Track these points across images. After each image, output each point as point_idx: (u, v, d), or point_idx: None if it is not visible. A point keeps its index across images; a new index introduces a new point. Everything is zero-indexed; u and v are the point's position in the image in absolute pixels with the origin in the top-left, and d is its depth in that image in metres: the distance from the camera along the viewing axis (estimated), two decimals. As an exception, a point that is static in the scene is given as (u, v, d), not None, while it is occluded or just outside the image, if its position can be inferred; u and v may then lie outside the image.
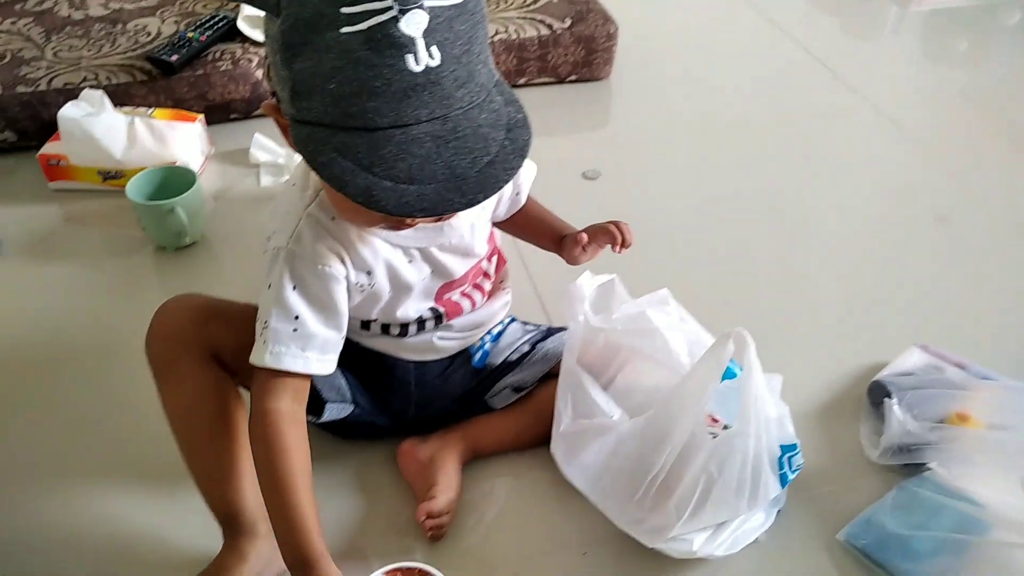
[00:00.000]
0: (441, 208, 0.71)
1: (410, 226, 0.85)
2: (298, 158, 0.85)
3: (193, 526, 0.96)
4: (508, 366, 1.09)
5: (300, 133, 0.73)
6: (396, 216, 0.74)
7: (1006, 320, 1.31)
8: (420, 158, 0.70)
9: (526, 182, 1.07)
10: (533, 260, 1.31)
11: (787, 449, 0.96)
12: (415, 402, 1.05)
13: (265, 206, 1.55)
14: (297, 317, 0.86)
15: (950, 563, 0.92)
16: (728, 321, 1.22)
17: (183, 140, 1.54)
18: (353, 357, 0.99)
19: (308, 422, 1.00)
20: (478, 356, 1.08)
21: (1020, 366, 1.18)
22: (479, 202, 0.72)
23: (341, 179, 0.70)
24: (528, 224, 1.11)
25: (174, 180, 1.41)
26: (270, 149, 1.62)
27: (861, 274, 1.42)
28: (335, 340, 0.89)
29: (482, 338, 1.08)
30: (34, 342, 1.27)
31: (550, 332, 1.13)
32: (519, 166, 0.74)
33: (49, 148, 1.54)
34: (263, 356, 0.85)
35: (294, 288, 0.86)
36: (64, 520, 1.02)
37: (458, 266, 0.97)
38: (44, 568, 0.97)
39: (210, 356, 0.92)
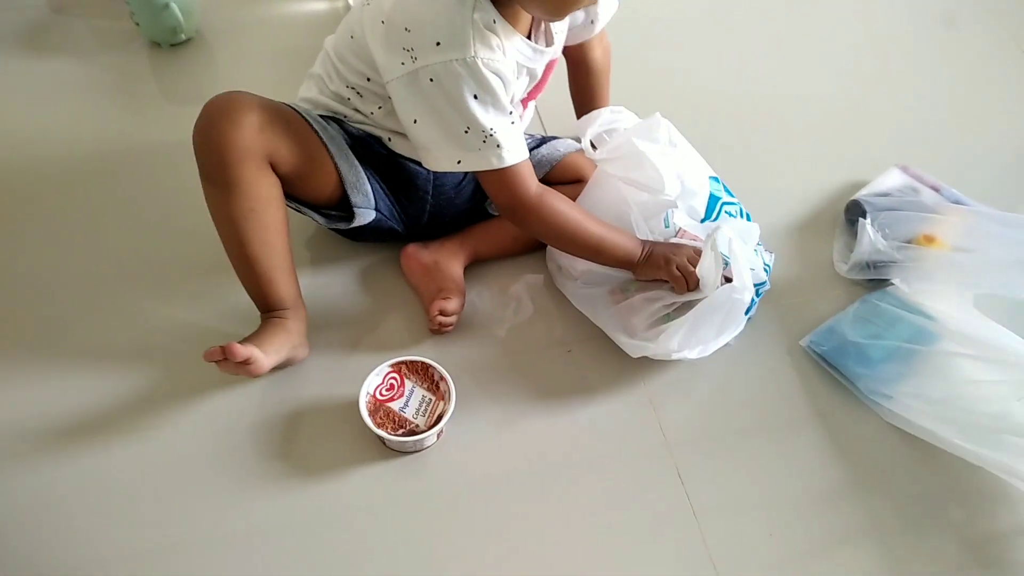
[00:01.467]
0: None
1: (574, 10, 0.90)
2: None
3: (225, 310, 1.05)
4: (505, 172, 1.14)
5: None
6: None
7: (987, 147, 1.36)
8: None
9: (603, 14, 1.08)
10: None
11: (758, 286, 1.05)
12: (429, 210, 1.11)
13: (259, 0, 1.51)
14: (511, 112, 0.92)
15: (898, 369, 1.03)
16: (722, 137, 1.27)
17: (170, -75, 1.47)
18: (380, 163, 1.03)
19: (333, 227, 1.06)
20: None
21: (994, 191, 1.24)
22: None
23: None
24: (579, 70, 1.17)
25: (166, -28, 1.37)
26: (261, -63, 1.55)
27: (851, 93, 1.44)
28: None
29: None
30: (29, 143, 1.28)
31: (544, 140, 1.17)
32: None
33: (29, -70, 1.47)
34: (503, 160, 0.92)
35: (500, 88, 0.90)
36: (88, 312, 1.10)
37: (539, 72, 1.02)
38: (83, 351, 1.06)
39: (267, 163, 0.93)
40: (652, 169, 1.01)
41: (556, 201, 0.99)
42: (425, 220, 1.11)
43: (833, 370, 1.06)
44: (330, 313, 1.09)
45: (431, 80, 0.88)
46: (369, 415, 0.95)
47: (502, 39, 0.91)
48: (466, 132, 0.90)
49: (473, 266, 1.14)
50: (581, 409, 1.04)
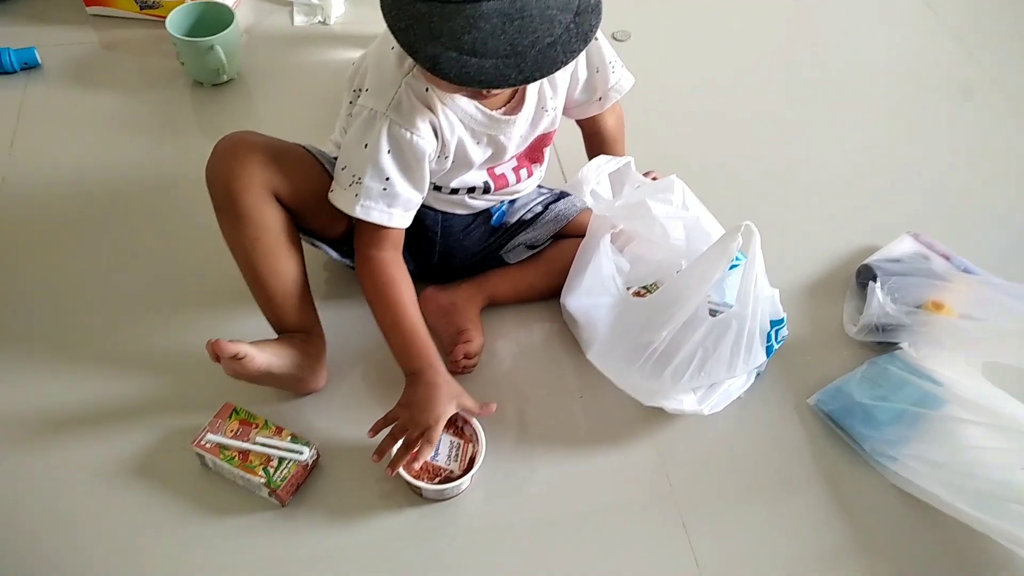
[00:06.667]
0: (497, 82, 0.79)
1: (486, 97, 0.93)
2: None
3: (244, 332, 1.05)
4: (522, 224, 1.17)
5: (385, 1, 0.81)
6: (450, 80, 0.80)
7: (997, 218, 1.38)
8: (485, 32, 0.77)
9: (614, 92, 1.11)
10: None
11: (775, 323, 1.06)
12: (438, 251, 1.15)
13: (298, 45, 1.58)
14: (388, 179, 0.95)
15: (903, 431, 1.04)
16: (736, 196, 1.31)
17: (219, -28, 1.54)
18: None
19: (345, 262, 1.10)
20: (496, 215, 1.16)
21: (1002, 262, 1.26)
22: (535, 79, 0.80)
23: (413, 45, 0.79)
24: (593, 139, 1.20)
25: (212, 16, 1.44)
26: (304, -13, 1.63)
27: (867, 160, 1.47)
28: (417, 200, 1.00)
29: (501, 199, 1.15)
30: (77, 169, 1.34)
31: (562, 195, 1.20)
32: (580, 50, 0.80)
33: (87, -28, 1.55)
34: (353, 207, 0.96)
35: (388, 152, 0.94)
36: (123, 337, 1.14)
37: (513, 146, 1.05)
38: (125, 377, 1.10)
39: (271, 194, 0.99)
40: (662, 230, 1.05)
41: (385, 273, 1.00)
42: (436, 261, 1.15)
43: (839, 430, 1.07)
44: (349, 350, 1.13)
45: (349, 115, 0.96)
46: (405, 468, 0.96)
47: (440, 105, 0.94)
48: (344, 169, 0.96)
49: (488, 310, 1.17)
50: (591, 456, 1.06)
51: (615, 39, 1.63)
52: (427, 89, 0.93)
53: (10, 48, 1.46)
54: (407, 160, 0.95)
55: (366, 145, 0.94)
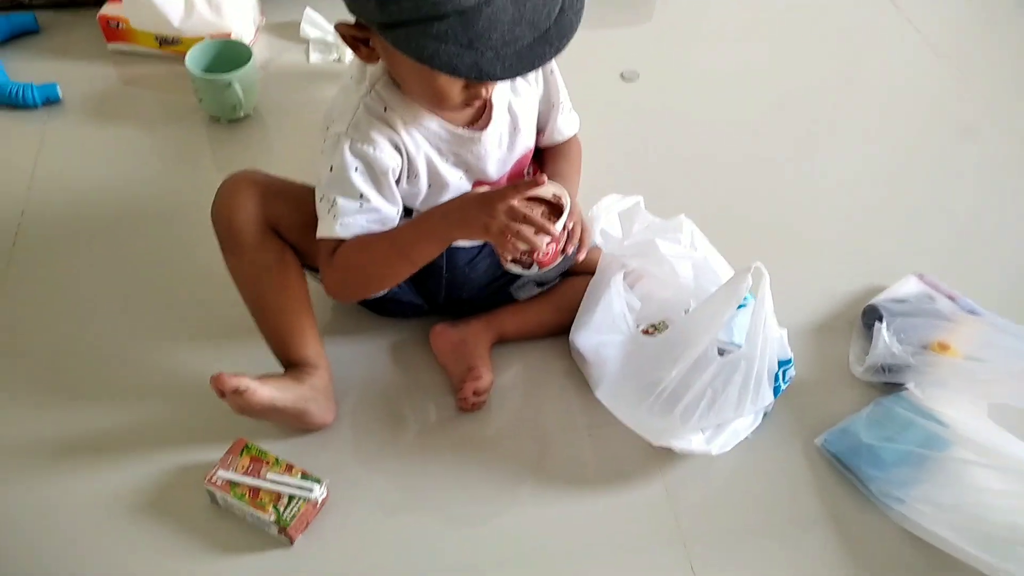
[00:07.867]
0: (540, 60, 0.83)
1: (483, 99, 0.95)
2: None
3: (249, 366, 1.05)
4: (532, 262, 1.18)
5: (396, 35, 0.81)
6: (500, 79, 0.83)
7: (1002, 259, 1.39)
8: (507, 23, 0.80)
9: (557, 133, 1.13)
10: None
11: (783, 363, 1.08)
12: (445, 283, 1.16)
13: (314, 82, 1.61)
14: (362, 195, 0.96)
15: (910, 473, 1.04)
16: (743, 236, 1.32)
17: (238, 10, 1.58)
18: None
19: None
20: (504, 249, 1.17)
21: (1008, 303, 1.27)
22: (564, 47, 0.83)
23: (451, 63, 0.80)
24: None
25: (230, 53, 1.47)
26: (320, 26, 1.66)
27: (871, 201, 1.48)
28: (393, 216, 1.00)
29: (509, 233, 1.16)
30: (95, 203, 1.36)
31: (574, 233, 1.21)
32: (583, 7, 0.84)
33: (109, 9, 1.59)
34: (333, 227, 0.96)
35: (356, 170, 0.95)
36: (136, 369, 1.16)
37: (492, 169, 1.06)
38: (127, 411, 1.11)
39: (271, 230, 1.02)
40: (670, 269, 1.06)
41: (352, 242, 0.98)
42: (443, 295, 1.16)
43: (846, 470, 1.08)
44: (359, 386, 1.14)
45: (322, 152, 0.98)
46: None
47: (402, 124, 0.96)
48: (321, 200, 0.97)
49: (497, 347, 1.18)
50: (598, 494, 1.06)
51: (623, 79, 1.65)
52: (385, 109, 0.96)
53: (32, 84, 1.49)
54: (376, 175, 0.96)
55: (331, 168, 0.95)
